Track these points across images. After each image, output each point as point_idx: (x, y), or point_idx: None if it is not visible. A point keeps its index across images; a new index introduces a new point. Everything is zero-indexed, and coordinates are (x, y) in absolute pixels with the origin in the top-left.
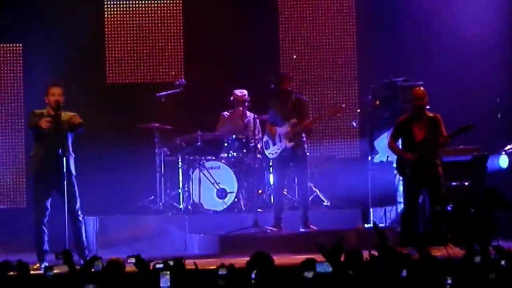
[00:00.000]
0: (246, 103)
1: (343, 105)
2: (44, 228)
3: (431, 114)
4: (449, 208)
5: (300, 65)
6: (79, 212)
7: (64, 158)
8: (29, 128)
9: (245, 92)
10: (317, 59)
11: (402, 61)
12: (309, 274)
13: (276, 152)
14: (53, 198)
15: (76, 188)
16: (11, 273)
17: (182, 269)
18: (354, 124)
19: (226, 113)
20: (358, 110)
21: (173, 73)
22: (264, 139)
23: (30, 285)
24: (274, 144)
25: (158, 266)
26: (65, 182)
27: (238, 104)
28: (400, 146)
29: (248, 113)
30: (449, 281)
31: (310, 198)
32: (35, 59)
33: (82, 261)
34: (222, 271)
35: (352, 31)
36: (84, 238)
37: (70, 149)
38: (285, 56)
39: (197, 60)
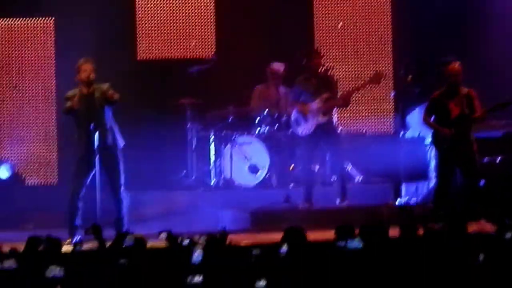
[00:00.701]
0: (282, 77)
1: (383, 73)
2: (79, 203)
3: (465, 90)
4: (481, 183)
5: (334, 40)
6: (122, 189)
7: (97, 133)
8: (65, 114)
9: (282, 65)
10: (351, 35)
11: (437, 36)
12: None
13: (310, 129)
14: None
15: (119, 162)
16: (41, 248)
17: (215, 245)
18: (392, 95)
19: (260, 87)
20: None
21: (205, 48)
22: (293, 117)
23: (60, 260)
24: (306, 121)
25: (184, 242)
26: (105, 157)
27: (274, 77)
28: (435, 122)
29: (282, 87)
30: (481, 258)
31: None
32: (67, 33)
33: None
34: (255, 251)
35: (387, 6)
36: (124, 216)
37: (109, 122)
38: (319, 31)
39: (229, 34)
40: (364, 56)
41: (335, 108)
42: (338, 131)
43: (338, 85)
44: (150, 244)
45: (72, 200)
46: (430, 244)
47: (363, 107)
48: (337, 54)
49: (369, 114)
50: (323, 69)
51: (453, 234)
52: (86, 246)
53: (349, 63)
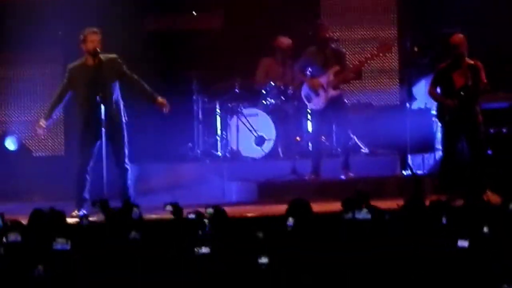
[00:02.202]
0: (289, 51)
1: (390, 42)
2: (87, 176)
3: (471, 61)
4: (487, 154)
5: (340, 11)
6: (126, 160)
7: (103, 106)
8: (67, 88)
9: (289, 40)
10: (356, 5)
11: (443, 7)
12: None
13: (321, 104)
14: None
15: (124, 135)
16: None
17: (221, 217)
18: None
19: (266, 60)
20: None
21: (213, 19)
22: (304, 93)
23: (65, 234)
24: (317, 95)
25: (190, 216)
26: (110, 130)
27: (280, 51)
28: (440, 94)
29: (288, 61)
30: (486, 229)
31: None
32: (74, 2)
33: None
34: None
35: None
36: (129, 187)
37: (116, 96)
38: (325, 3)
39: (236, 6)
40: (369, 27)
41: (346, 81)
42: (345, 103)
43: (346, 57)
44: (156, 216)
45: (80, 172)
46: (436, 215)
47: (369, 79)
48: (342, 24)
49: (375, 86)
50: (331, 41)
51: (463, 205)
52: (93, 218)
53: (354, 34)
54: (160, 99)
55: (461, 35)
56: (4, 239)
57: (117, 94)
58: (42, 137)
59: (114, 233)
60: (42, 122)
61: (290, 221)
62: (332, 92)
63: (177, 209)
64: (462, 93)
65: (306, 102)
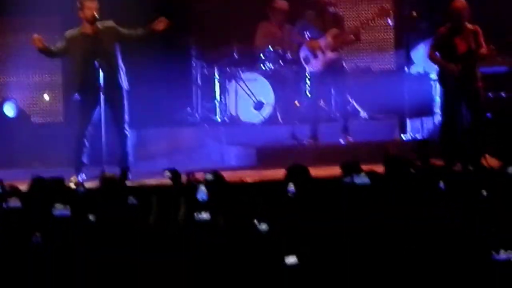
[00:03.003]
0: (286, 15)
1: (389, 6)
2: (85, 141)
3: (470, 26)
4: (487, 118)
5: None
6: (125, 126)
7: (102, 72)
8: (63, 53)
9: (286, 3)
10: None
11: None
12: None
13: (319, 66)
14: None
15: (124, 101)
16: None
17: (220, 183)
18: (390, 22)
19: (264, 24)
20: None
21: None
22: (303, 55)
23: (63, 201)
24: (316, 58)
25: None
26: (110, 96)
27: (278, 14)
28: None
29: (286, 24)
30: (484, 193)
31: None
32: None
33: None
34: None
35: None
36: (128, 153)
37: (116, 61)
38: None
39: None
40: None
41: (344, 44)
42: (345, 67)
43: (344, 20)
44: (155, 181)
45: (78, 138)
46: (434, 179)
47: (367, 43)
48: None
49: (373, 50)
50: (329, 5)
51: (462, 170)
52: (91, 184)
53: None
54: (153, 24)
55: (461, 1)
56: (3, 205)
57: (117, 59)
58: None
59: (112, 200)
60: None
61: (291, 187)
62: (331, 55)
63: (176, 174)
64: (465, 58)
65: (304, 64)
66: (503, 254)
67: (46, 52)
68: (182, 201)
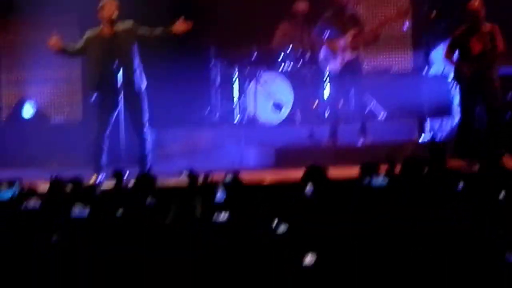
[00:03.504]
0: (307, 16)
1: (409, 6)
2: (104, 143)
3: (488, 26)
4: (505, 119)
5: None
6: (145, 129)
7: (122, 71)
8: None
9: (307, 4)
10: None
11: None
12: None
13: (340, 65)
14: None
15: (144, 102)
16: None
17: (238, 184)
18: (407, 24)
19: (284, 24)
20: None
21: None
22: (322, 55)
23: (81, 201)
24: (335, 58)
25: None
26: (129, 97)
27: (298, 15)
28: (457, 58)
29: (306, 25)
30: (502, 195)
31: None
32: None
33: None
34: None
35: None
36: (147, 155)
37: (135, 62)
38: None
39: None
40: None
41: (363, 44)
42: (363, 68)
43: (363, 21)
44: (173, 182)
45: (97, 139)
46: (451, 180)
47: (385, 44)
48: None
49: (392, 50)
50: (349, 5)
51: (480, 171)
52: (108, 186)
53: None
54: (174, 26)
55: (477, 2)
56: (22, 206)
57: (136, 59)
58: (55, 47)
59: (129, 201)
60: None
61: (309, 188)
62: (350, 55)
63: (193, 175)
64: (480, 58)
65: (324, 64)
66: None
67: (63, 53)
68: (198, 201)
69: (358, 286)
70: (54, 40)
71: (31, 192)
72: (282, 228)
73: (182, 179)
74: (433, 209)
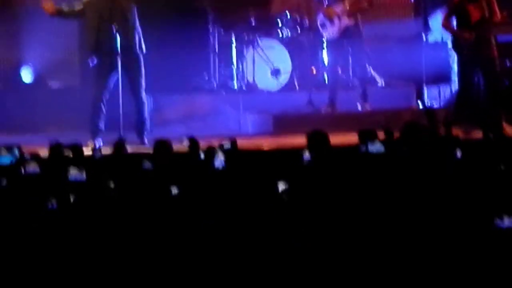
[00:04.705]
0: None
1: None
2: (102, 107)
3: None
4: (504, 86)
5: None
6: (142, 92)
7: (120, 35)
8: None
9: None
10: None
11: None
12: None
13: (336, 32)
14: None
15: (141, 65)
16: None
17: (236, 150)
18: None
19: None
20: None
21: None
22: (319, 21)
23: (80, 166)
24: (332, 24)
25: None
26: (127, 60)
27: None
28: (455, 26)
29: None
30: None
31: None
32: None
33: (140, 141)
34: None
35: None
36: (145, 119)
37: (133, 24)
38: None
39: None
40: None
41: (360, 10)
42: (362, 34)
43: None
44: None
45: (95, 104)
46: (450, 147)
47: (385, 10)
48: None
49: (391, 17)
50: None
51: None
52: (107, 150)
53: None
54: None
55: None
56: (21, 171)
57: (134, 22)
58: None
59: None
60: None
61: (307, 155)
62: (347, 21)
63: (193, 142)
64: (479, 26)
65: (321, 31)
66: (507, 221)
67: (60, 15)
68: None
69: (355, 253)
70: (47, 3)
71: (31, 157)
72: (283, 186)
73: (183, 146)
74: (431, 175)
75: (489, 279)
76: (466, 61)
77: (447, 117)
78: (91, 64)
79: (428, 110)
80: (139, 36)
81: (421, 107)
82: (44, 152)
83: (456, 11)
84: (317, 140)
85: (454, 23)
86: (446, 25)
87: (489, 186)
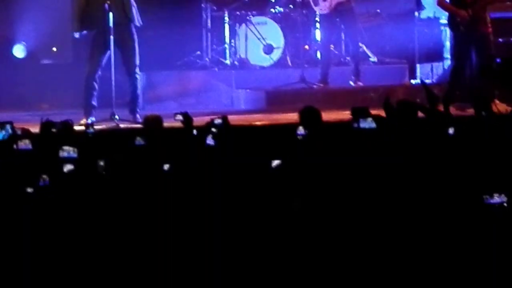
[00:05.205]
0: None
1: None
2: (95, 84)
3: None
4: (497, 62)
5: None
6: (136, 69)
7: (112, 13)
8: None
9: None
10: None
11: None
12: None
13: (328, 8)
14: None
15: (135, 41)
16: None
17: (228, 127)
18: None
19: None
20: None
21: None
22: None
23: (72, 143)
24: (324, 0)
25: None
26: (120, 37)
27: None
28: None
29: None
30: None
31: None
32: None
33: (133, 118)
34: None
35: None
36: (138, 95)
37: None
38: None
39: None
40: None
41: None
42: (354, 11)
43: None
44: (166, 124)
45: (88, 80)
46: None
47: None
48: None
49: None
50: None
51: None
52: (100, 126)
53: None
54: None
55: None
56: (14, 147)
57: None
58: None
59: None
60: None
61: (301, 130)
62: None
63: (187, 118)
64: (474, 3)
65: (313, 6)
66: (496, 198)
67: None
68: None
69: (349, 228)
70: None
71: (23, 134)
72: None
73: (175, 122)
74: (423, 152)
75: (479, 255)
76: (461, 39)
77: (446, 94)
78: (76, 36)
79: (427, 87)
80: (135, 10)
81: (415, 83)
82: (35, 129)
83: None
84: (310, 116)
85: (448, 0)
86: (442, 2)
87: (479, 163)
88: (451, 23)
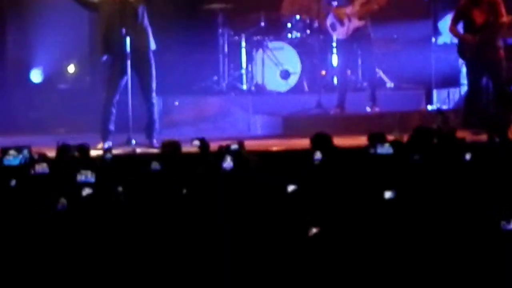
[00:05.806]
0: None
1: None
2: (112, 109)
3: None
4: (510, 89)
5: None
6: (153, 94)
7: (130, 37)
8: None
9: None
10: None
11: None
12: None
13: (346, 34)
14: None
15: (152, 66)
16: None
17: (244, 152)
18: None
19: None
20: None
21: None
22: (329, 22)
23: (89, 167)
24: (342, 25)
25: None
26: (137, 62)
27: None
28: (461, 31)
29: None
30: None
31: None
32: None
33: (149, 142)
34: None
35: None
36: (155, 121)
37: (144, 24)
38: None
39: None
40: None
41: (370, 12)
42: (371, 36)
43: None
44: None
45: (106, 105)
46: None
47: (394, 12)
48: None
49: (400, 19)
50: None
51: (488, 141)
52: (117, 151)
53: None
54: None
55: None
56: (30, 171)
57: (145, 21)
58: None
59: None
60: None
61: (318, 155)
62: (357, 23)
63: (204, 144)
64: (484, 29)
65: (331, 32)
66: None
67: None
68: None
69: (363, 254)
70: None
71: (40, 159)
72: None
73: (192, 147)
74: (440, 178)
75: (494, 280)
76: (471, 65)
77: (462, 120)
78: (102, 61)
79: (443, 113)
80: (150, 34)
81: (431, 109)
82: (52, 154)
83: (461, 15)
84: (321, 142)
85: (461, 28)
86: (452, 29)
87: (495, 188)
88: (459, 49)
